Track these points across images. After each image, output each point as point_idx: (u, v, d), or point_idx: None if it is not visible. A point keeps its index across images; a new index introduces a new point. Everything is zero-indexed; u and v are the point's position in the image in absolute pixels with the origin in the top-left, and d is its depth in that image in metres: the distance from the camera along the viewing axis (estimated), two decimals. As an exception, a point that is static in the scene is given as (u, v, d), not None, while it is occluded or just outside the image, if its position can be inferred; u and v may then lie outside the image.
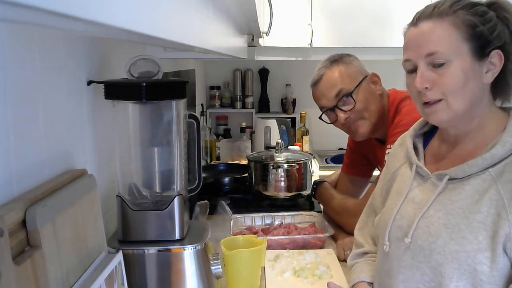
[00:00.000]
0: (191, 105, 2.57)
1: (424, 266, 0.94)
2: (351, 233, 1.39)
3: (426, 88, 0.93)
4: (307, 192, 2.04)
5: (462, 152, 0.98)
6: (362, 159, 1.88)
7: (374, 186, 1.27)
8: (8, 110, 0.70)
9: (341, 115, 1.60)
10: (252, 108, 3.43)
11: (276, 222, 1.78)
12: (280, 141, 2.10)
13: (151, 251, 1.03)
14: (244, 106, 3.43)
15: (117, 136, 1.09)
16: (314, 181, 1.98)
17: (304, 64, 2.84)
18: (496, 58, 0.93)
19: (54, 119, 0.86)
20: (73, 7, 0.26)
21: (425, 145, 1.09)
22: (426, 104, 0.96)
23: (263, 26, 2.10)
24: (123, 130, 1.08)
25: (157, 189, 1.11)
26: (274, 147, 2.13)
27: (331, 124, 1.69)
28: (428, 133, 1.10)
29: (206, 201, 1.71)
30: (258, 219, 1.80)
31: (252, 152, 2.67)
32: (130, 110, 1.06)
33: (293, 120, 3.37)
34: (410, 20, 0.99)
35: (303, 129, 3.22)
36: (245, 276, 1.25)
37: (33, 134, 0.78)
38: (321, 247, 1.59)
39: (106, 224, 0.98)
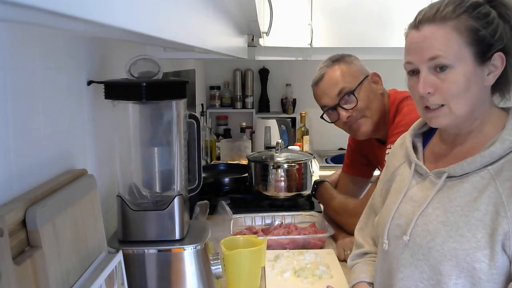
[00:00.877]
0: (191, 105, 2.57)
1: (423, 264, 0.95)
2: (351, 233, 1.39)
3: (429, 93, 0.93)
4: (307, 192, 2.04)
5: (462, 151, 0.98)
6: (362, 159, 1.88)
7: (375, 186, 1.27)
8: (8, 110, 0.70)
9: (343, 114, 1.60)
10: (252, 108, 3.43)
11: (276, 222, 1.78)
12: (280, 141, 2.10)
13: (151, 251, 1.03)
14: (244, 106, 3.43)
15: (117, 136, 1.09)
16: (315, 181, 1.98)
17: (304, 64, 2.84)
18: (498, 61, 0.93)
19: (54, 119, 0.86)
20: (73, 7, 0.26)
21: (424, 145, 1.09)
22: (428, 108, 0.96)
23: (263, 26, 2.10)
24: (123, 130, 1.08)
25: (157, 189, 1.11)
26: (274, 147, 2.12)
27: (332, 124, 1.69)
28: (428, 132, 1.10)
29: (206, 201, 1.71)
30: (258, 219, 1.80)
31: (252, 152, 2.67)
32: (130, 110, 1.06)
33: (293, 120, 3.36)
34: (411, 19, 0.98)
35: (303, 129, 3.22)
36: (245, 276, 1.25)
37: (33, 134, 0.78)
38: (321, 247, 1.59)
39: (106, 224, 0.98)
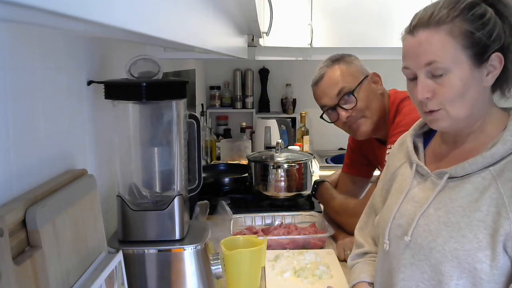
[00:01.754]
0: (191, 105, 2.57)
1: (424, 264, 0.94)
2: (351, 233, 1.39)
3: (427, 98, 0.93)
4: (307, 192, 2.04)
5: (463, 151, 0.98)
6: (362, 159, 1.88)
7: (375, 186, 1.27)
8: (8, 110, 0.70)
9: (343, 114, 1.61)
10: (252, 108, 3.43)
11: (276, 222, 1.78)
12: (280, 141, 2.10)
13: (151, 251, 1.03)
14: (244, 106, 3.43)
15: (117, 136, 1.09)
16: (315, 181, 1.98)
17: (304, 64, 2.84)
18: (496, 61, 0.92)
19: (54, 119, 0.86)
20: (73, 7, 0.26)
21: (425, 145, 1.09)
22: (427, 111, 0.96)
23: (263, 26, 2.10)
24: (123, 130, 1.08)
25: (157, 189, 1.11)
26: (274, 147, 2.12)
27: (332, 124, 1.69)
28: (428, 132, 1.10)
29: (206, 201, 1.71)
30: (258, 219, 1.80)
31: (252, 152, 2.67)
32: (130, 110, 1.06)
33: (293, 120, 3.37)
34: (408, 22, 0.98)
35: (303, 129, 3.22)
36: (245, 276, 1.25)
37: (33, 134, 0.78)
38: (321, 247, 1.59)
39: (106, 224, 0.98)
